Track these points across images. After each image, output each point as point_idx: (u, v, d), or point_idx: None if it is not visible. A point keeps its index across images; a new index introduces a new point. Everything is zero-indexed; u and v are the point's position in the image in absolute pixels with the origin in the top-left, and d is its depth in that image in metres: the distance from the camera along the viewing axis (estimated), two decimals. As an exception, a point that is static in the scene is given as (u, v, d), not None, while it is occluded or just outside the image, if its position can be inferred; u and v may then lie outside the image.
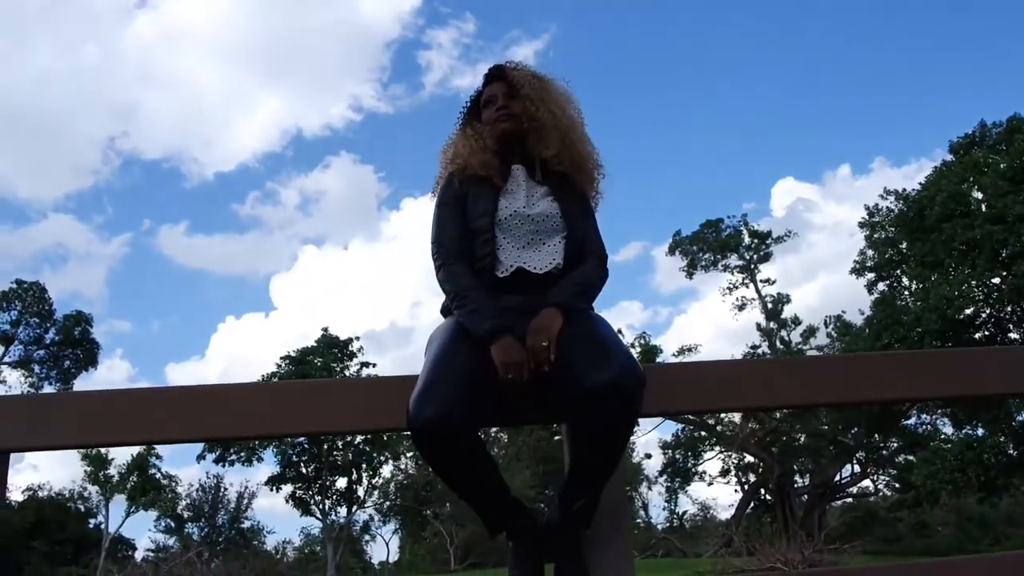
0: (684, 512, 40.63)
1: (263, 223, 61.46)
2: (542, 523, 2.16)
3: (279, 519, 77.87)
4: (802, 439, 31.25)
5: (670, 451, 34.47)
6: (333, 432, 2.37)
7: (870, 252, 26.53)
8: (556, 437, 35.12)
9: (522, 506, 2.15)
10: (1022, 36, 50.10)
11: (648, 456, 38.39)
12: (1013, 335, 24.56)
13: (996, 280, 22.59)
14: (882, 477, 33.93)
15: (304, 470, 32.87)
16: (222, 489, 37.79)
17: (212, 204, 61.89)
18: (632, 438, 37.86)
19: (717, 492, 77.76)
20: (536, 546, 2.12)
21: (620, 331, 24.35)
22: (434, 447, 1.91)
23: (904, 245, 25.42)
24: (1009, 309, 23.93)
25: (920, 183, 25.27)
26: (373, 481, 34.69)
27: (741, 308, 32.35)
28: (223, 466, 33.32)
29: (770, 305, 31.78)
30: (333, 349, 33.08)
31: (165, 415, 2.19)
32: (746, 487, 34.54)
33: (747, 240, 32.36)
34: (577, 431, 2.03)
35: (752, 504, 34.34)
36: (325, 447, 32.82)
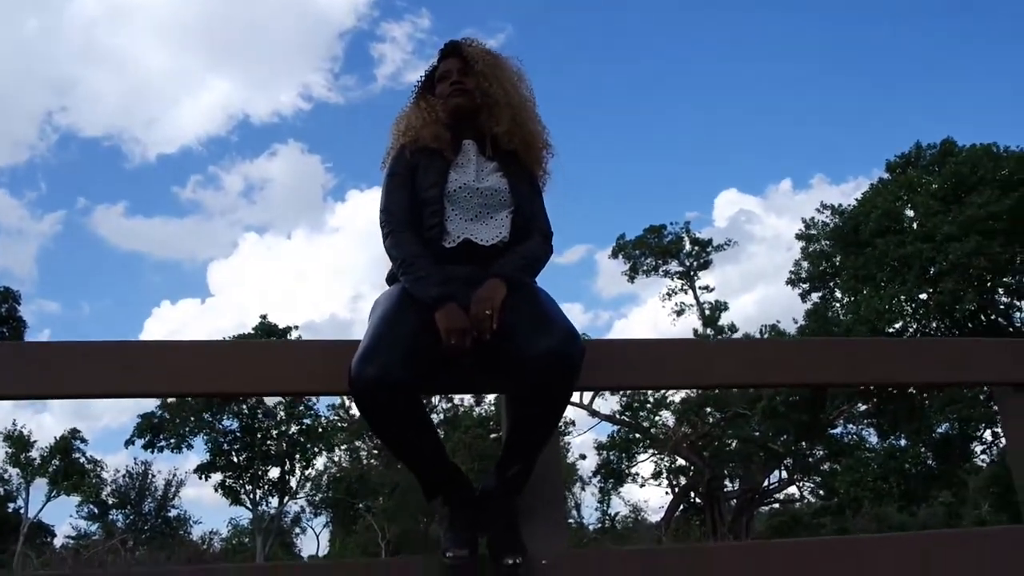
0: (616, 513, 41.03)
1: (204, 208, 60.40)
2: (478, 491, 2.20)
3: (206, 509, 76.57)
4: (733, 444, 31.89)
5: (604, 452, 34.81)
6: (278, 393, 2.44)
7: (805, 264, 27.21)
8: (492, 435, 35.22)
9: (460, 472, 2.21)
10: (957, 63, 51.94)
11: (583, 457, 38.70)
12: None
13: (923, 296, 23.40)
14: (807, 484, 34.82)
15: (236, 459, 32.30)
16: (150, 476, 36.92)
17: (152, 186, 60.31)
18: (567, 438, 38.18)
19: (649, 494, 78.94)
20: (472, 513, 2.15)
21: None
22: (375, 406, 1.95)
23: (838, 258, 26.13)
24: (935, 325, 24.82)
25: (856, 199, 26.06)
26: (306, 472, 34.29)
27: (680, 314, 32.86)
28: (152, 452, 32.58)
29: (708, 312, 32.33)
30: (271, 337, 32.56)
31: (100, 369, 2.17)
32: (677, 490, 35.07)
33: (688, 247, 32.86)
34: (517, 397, 2.10)
35: (682, 507, 34.88)
36: (259, 436, 32.34)
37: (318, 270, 63.29)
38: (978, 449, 25.41)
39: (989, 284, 23.36)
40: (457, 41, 2.54)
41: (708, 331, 31.68)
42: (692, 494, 35.03)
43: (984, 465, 25.78)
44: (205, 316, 58.64)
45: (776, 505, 37.40)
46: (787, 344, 3.32)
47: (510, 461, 2.12)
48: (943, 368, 2.76)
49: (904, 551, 2.46)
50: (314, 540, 39.77)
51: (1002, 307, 24.47)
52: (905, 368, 2.69)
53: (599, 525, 40.79)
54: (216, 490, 32.41)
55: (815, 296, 27.05)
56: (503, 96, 2.43)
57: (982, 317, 24.08)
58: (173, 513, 37.92)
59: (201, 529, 43.23)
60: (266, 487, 33.24)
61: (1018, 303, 24.63)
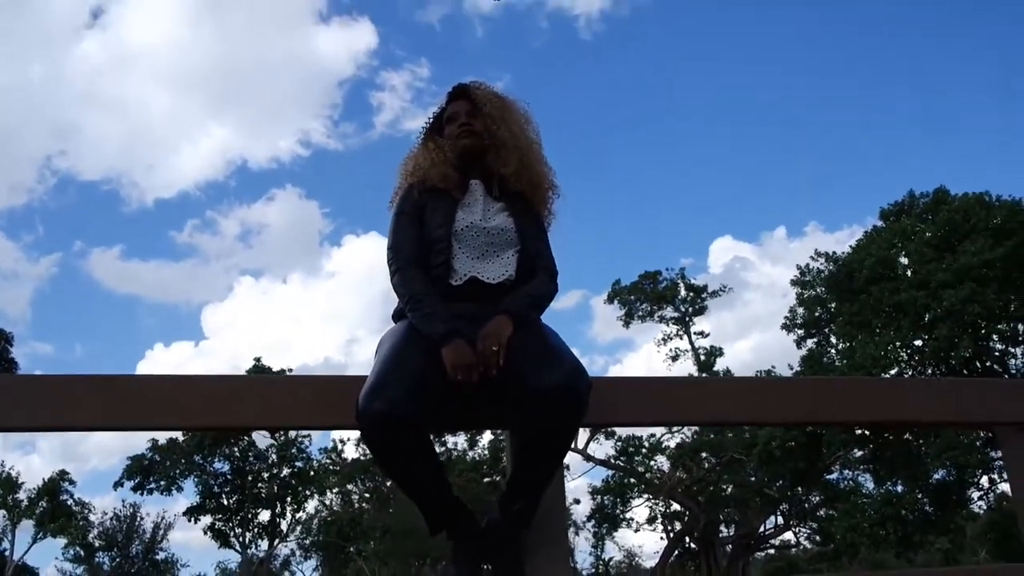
0: (610, 559, 40.59)
1: (200, 252, 60.36)
2: (483, 525, 2.19)
3: (194, 552, 75.25)
4: (729, 489, 31.68)
5: (599, 496, 34.55)
6: (284, 427, 2.45)
7: (800, 310, 27.31)
8: (486, 479, 34.94)
9: (464, 507, 2.20)
10: (950, 112, 52.67)
11: (577, 501, 38.36)
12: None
13: (918, 343, 23.48)
14: (803, 530, 34.55)
15: (225, 501, 31.95)
16: (138, 518, 36.43)
17: (149, 229, 60.43)
18: (564, 483, 37.84)
19: (643, 539, 77.87)
20: (476, 547, 2.15)
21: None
22: (382, 441, 1.96)
23: (833, 305, 26.25)
24: (930, 371, 24.86)
25: (851, 246, 26.26)
26: (297, 515, 33.88)
27: (675, 359, 32.82)
28: (141, 494, 32.22)
29: (703, 357, 32.34)
30: (265, 379, 32.45)
31: (101, 403, 2.17)
32: (672, 535, 34.75)
33: (683, 293, 32.97)
34: (523, 432, 2.09)
35: (677, 552, 34.53)
36: (250, 478, 32.03)
37: (313, 314, 63.19)
38: (975, 495, 25.33)
39: (984, 331, 23.47)
40: (465, 84, 2.58)
41: (703, 376, 31.66)
42: (687, 539, 34.71)
43: (981, 512, 25.67)
44: (199, 359, 58.34)
45: (772, 551, 37.08)
46: (789, 382, 3.32)
47: (515, 496, 2.13)
48: (947, 408, 2.76)
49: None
50: (304, 584, 39.15)
51: (997, 354, 24.55)
52: (909, 407, 2.70)
53: (593, 571, 40.37)
54: (205, 533, 32.05)
55: (810, 342, 27.13)
56: (511, 138, 2.47)
57: (977, 364, 24.14)
58: (160, 556, 37.38)
59: (188, 573, 42.62)
60: (256, 530, 32.87)
61: (1013, 349, 24.73)
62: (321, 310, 63.27)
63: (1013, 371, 24.64)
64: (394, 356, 2.08)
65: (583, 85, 59.74)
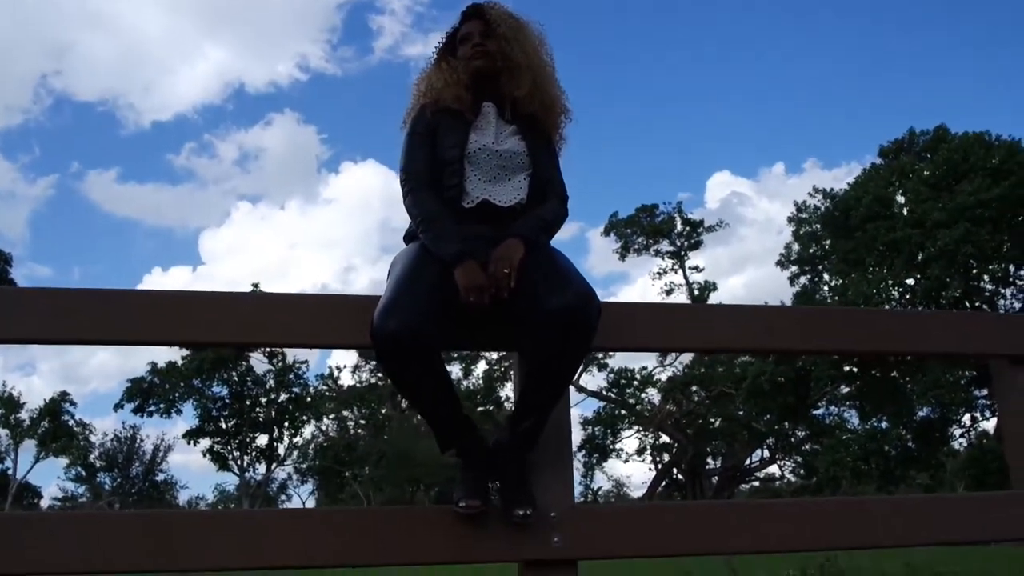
0: (599, 488, 41.58)
1: (197, 176, 59.91)
2: (491, 444, 2.24)
3: (193, 475, 76.46)
4: (717, 423, 32.32)
5: (590, 427, 35.19)
6: (301, 345, 2.43)
7: (796, 246, 27.47)
8: (479, 408, 35.40)
9: (474, 426, 2.23)
10: (953, 50, 52.04)
11: (568, 433, 38.87)
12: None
13: (911, 281, 23.72)
14: (787, 463, 35.35)
15: (224, 425, 32.51)
16: (138, 440, 37.08)
17: (146, 152, 59.69)
18: (570, 405, 38.39)
19: (632, 470, 79.60)
20: (483, 466, 2.19)
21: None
22: (397, 359, 2.00)
23: (828, 242, 26.40)
24: (920, 309, 25.17)
25: (848, 184, 26.28)
26: (294, 440, 34.51)
27: (669, 293, 33.08)
28: (141, 417, 32.73)
29: (697, 292, 32.60)
30: (261, 306, 32.58)
31: (129, 317, 2.23)
32: (660, 466, 35.53)
33: (680, 227, 33.06)
34: (533, 353, 2.12)
35: (664, 483, 35.37)
36: (248, 403, 32.52)
37: (310, 241, 63.11)
38: (957, 433, 25.95)
39: (975, 271, 23.69)
40: (480, 3, 2.55)
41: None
42: (675, 471, 35.50)
43: (962, 448, 26.29)
44: (196, 284, 58.47)
45: (756, 484, 37.99)
46: (791, 311, 3.38)
47: (523, 416, 2.16)
48: (944, 340, 2.81)
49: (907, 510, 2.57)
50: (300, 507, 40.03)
51: (987, 294, 24.83)
52: (907, 338, 2.76)
53: (581, 499, 41.27)
54: (204, 455, 32.67)
55: (804, 279, 27.33)
56: (524, 60, 2.43)
57: (967, 303, 24.44)
58: (160, 477, 38.19)
59: (187, 494, 43.53)
60: (254, 454, 33.52)
61: (1003, 290, 25.02)
62: (318, 237, 63.18)
63: (1002, 311, 24.98)
64: (407, 276, 2.10)
65: (586, 11, 58.71)
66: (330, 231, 63.23)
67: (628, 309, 2.54)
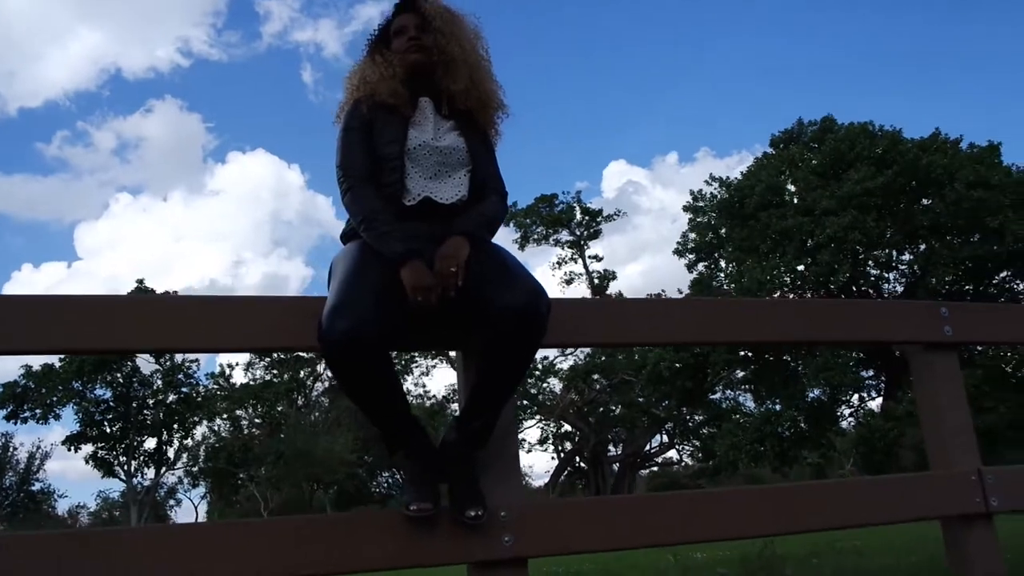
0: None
1: (71, 166, 57.05)
2: (438, 444, 2.21)
3: (71, 483, 73.01)
4: (618, 410, 32.65)
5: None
6: (241, 349, 2.41)
7: (692, 235, 27.88)
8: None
9: (421, 426, 2.21)
10: (840, 41, 54.08)
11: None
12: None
13: (801, 267, 24.40)
14: (686, 447, 36.09)
15: (109, 429, 30.82)
16: (11, 448, 34.83)
17: (13, 141, 56.37)
18: (454, 404, 38.12)
19: (534, 459, 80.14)
20: (432, 466, 2.16)
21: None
22: (347, 361, 1.95)
23: (723, 230, 26.90)
24: (809, 295, 25.94)
25: (742, 172, 26.83)
26: (185, 442, 33.06)
27: (569, 283, 33.23)
28: (14, 423, 30.72)
29: (596, 281, 32.82)
30: (147, 303, 31.00)
31: (49, 323, 2.06)
32: (562, 455, 35.73)
33: (579, 217, 33.21)
34: (484, 352, 2.11)
35: (567, 471, 35.58)
36: (134, 405, 30.93)
37: (196, 234, 60.88)
38: (846, 412, 26.89)
39: (862, 256, 24.54)
40: None
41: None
42: (577, 459, 35.77)
43: (850, 427, 27.31)
44: (72, 281, 55.66)
45: (656, 468, 38.68)
46: (727, 304, 3.53)
47: (473, 415, 2.16)
48: (865, 328, 2.91)
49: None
50: (191, 512, 38.60)
51: (872, 279, 25.77)
52: (834, 327, 2.84)
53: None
54: (87, 462, 30.93)
55: (701, 266, 27.78)
56: (460, 54, 2.42)
57: (853, 288, 25.32)
58: (37, 487, 36.00)
59: (67, 503, 41.40)
60: (142, 458, 31.91)
61: (887, 275, 26.01)
62: (205, 230, 61.06)
63: (886, 295, 25.99)
64: (353, 276, 2.06)
65: (485, 3, 58.35)
66: (218, 224, 61.22)
67: (578, 305, 2.60)
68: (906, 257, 25.65)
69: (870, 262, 25.27)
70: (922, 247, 24.72)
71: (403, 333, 2.16)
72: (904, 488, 2.72)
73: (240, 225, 62.38)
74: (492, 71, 2.54)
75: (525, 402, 34.53)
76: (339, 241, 2.45)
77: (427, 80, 2.44)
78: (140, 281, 31.95)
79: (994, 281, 25.13)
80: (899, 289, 25.99)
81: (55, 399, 30.19)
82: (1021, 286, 25.19)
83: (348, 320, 1.92)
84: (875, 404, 26.79)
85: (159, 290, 31.82)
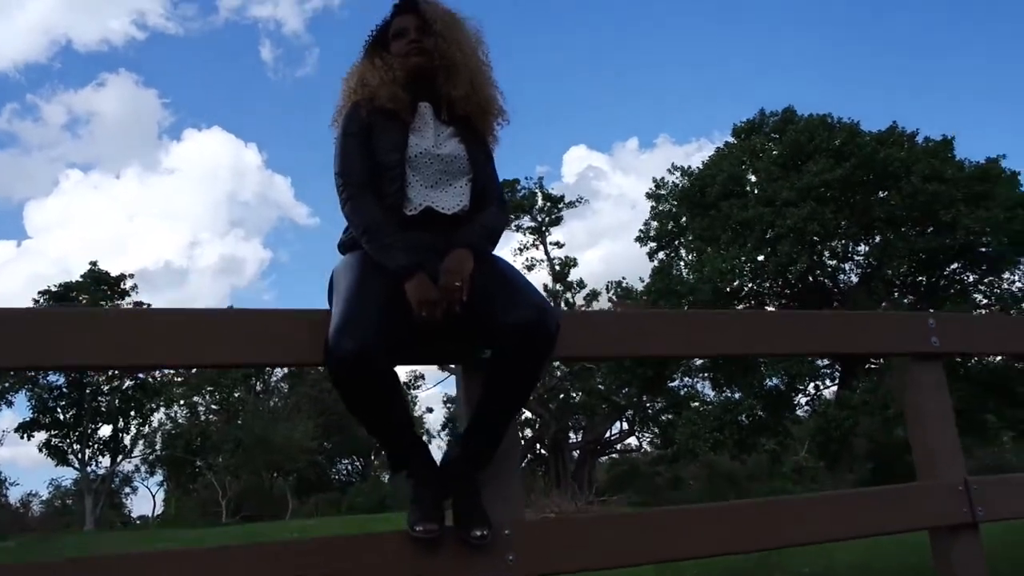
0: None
1: (20, 141, 55.57)
2: (442, 461, 2.20)
3: (22, 471, 71.55)
4: (578, 397, 32.83)
5: (453, 405, 35.05)
6: (247, 365, 2.47)
7: (654, 223, 28.04)
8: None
9: (424, 445, 2.21)
10: (798, 29, 54.68)
11: (430, 411, 38.78)
12: (769, 308, 27.04)
13: (761, 258, 24.69)
14: (646, 435, 36.44)
15: (62, 416, 30.18)
16: (-40, 436, 34.02)
17: (-43, 115, 54.66)
18: (417, 392, 38.02)
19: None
20: (436, 484, 2.14)
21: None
22: (354, 379, 1.92)
23: (684, 219, 27.09)
24: (768, 285, 26.30)
25: (703, 162, 27.03)
26: (142, 430, 32.52)
27: (530, 269, 33.18)
28: (-37, 410, 29.98)
29: (558, 268, 32.88)
30: (102, 286, 30.43)
31: (47, 337, 1.98)
32: (523, 442, 35.86)
33: (540, 203, 33.18)
34: (492, 369, 2.09)
35: (527, 458, 35.73)
36: (88, 392, 30.32)
37: (151, 213, 59.73)
38: (803, 400, 27.38)
39: (819, 247, 24.91)
40: None
41: (558, 287, 32.21)
42: (538, 446, 35.93)
43: (806, 415, 27.83)
44: (22, 260, 54.38)
45: (615, 455, 39.02)
46: (738, 316, 3.66)
47: (478, 433, 2.14)
48: (852, 340, 2.97)
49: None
50: (148, 500, 38.08)
51: (829, 269, 26.19)
52: (831, 338, 2.91)
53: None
54: (41, 450, 30.30)
55: (662, 255, 27.96)
56: (462, 59, 2.37)
57: (810, 278, 25.72)
58: (-13, 475, 35.26)
59: (19, 492, 40.56)
60: (96, 446, 31.32)
61: (843, 266, 26.45)
62: (160, 209, 59.96)
63: (843, 286, 26.45)
64: (357, 291, 2.03)
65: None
66: (173, 203, 60.13)
67: (585, 318, 2.74)
68: (862, 248, 26.10)
69: (826, 253, 25.67)
70: (877, 239, 25.17)
71: (408, 347, 2.12)
72: (892, 499, 2.77)
73: (196, 205, 61.48)
74: (493, 77, 2.50)
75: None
76: (338, 251, 2.38)
77: (427, 84, 2.40)
78: (94, 263, 31.31)
79: (945, 273, 25.71)
80: (855, 279, 26.47)
81: (6, 385, 29.51)
82: (971, 278, 25.82)
83: (355, 339, 1.90)
84: (829, 392, 27.34)
85: (113, 272, 31.22)
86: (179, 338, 2.09)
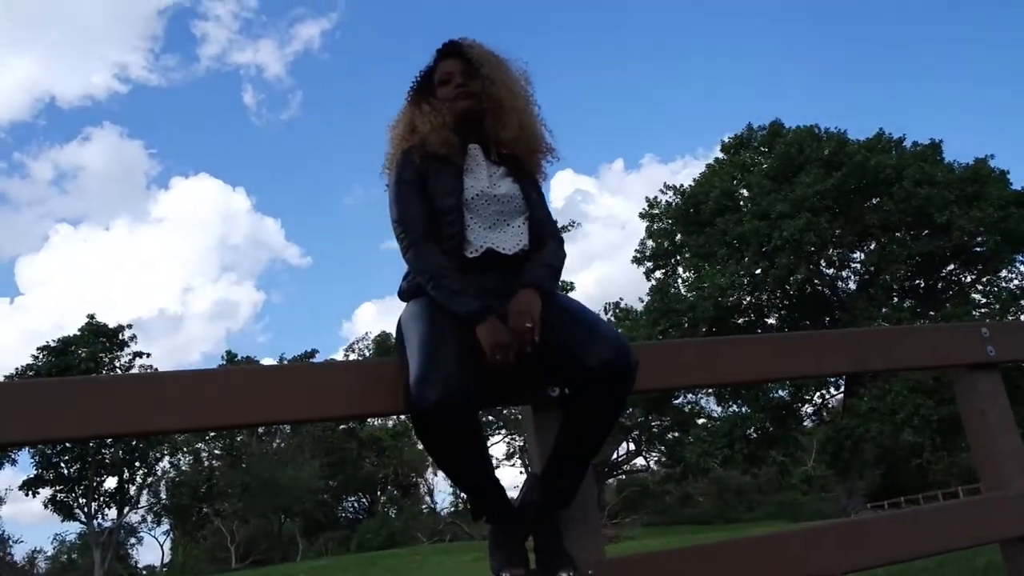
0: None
1: (9, 199, 55.51)
2: (519, 504, 2.15)
3: (25, 527, 70.78)
4: (584, 420, 32.67)
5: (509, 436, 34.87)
6: (320, 419, 2.31)
7: (650, 242, 28.12)
8: (342, 425, 34.42)
9: (503, 487, 2.15)
10: (784, 41, 55.22)
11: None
12: (770, 320, 27.09)
13: (759, 271, 24.77)
14: (653, 454, 36.32)
15: (66, 470, 29.87)
16: (-38, 498, 33.57)
17: (-56, 176, 54.64)
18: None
19: (501, 475, 79.80)
20: (517, 528, 2.10)
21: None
22: (440, 430, 1.91)
23: (680, 237, 27.19)
24: (765, 297, 26.36)
25: (695, 179, 27.16)
26: (148, 480, 32.20)
27: (528, 295, 33.18)
28: (-34, 471, 29.67)
29: (555, 292, 32.88)
30: (100, 338, 30.28)
31: (126, 404, 1.94)
32: (530, 470, 35.63)
33: (534, 230, 33.23)
34: (572, 409, 2.06)
35: (535, 485, 35.49)
36: (92, 445, 30.06)
37: (142, 263, 59.68)
38: (808, 410, 27.34)
39: (816, 257, 25.01)
40: (457, 41, 2.45)
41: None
42: (545, 472, 35.69)
43: (811, 424, 27.79)
44: (15, 316, 54.15)
45: (623, 476, 38.85)
46: (793, 337, 3.57)
47: (558, 473, 2.10)
48: (915, 354, 2.94)
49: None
50: (156, 549, 37.66)
51: (828, 278, 26.28)
52: (893, 354, 2.88)
53: (452, 509, 41.07)
54: (46, 506, 29.93)
55: (659, 274, 28.01)
56: (510, 99, 2.37)
57: (808, 288, 25.80)
58: (-9, 535, 34.79)
59: (23, 549, 40.11)
60: (102, 499, 30.98)
61: (841, 274, 26.54)
62: (151, 258, 59.89)
63: (843, 294, 26.52)
64: (432, 340, 2.01)
65: (418, 16, 58.42)
66: (164, 251, 60.09)
67: (660, 348, 2.56)
68: (859, 256, 26.21)
69: (823, 262, 25.77)
70: (873, 245, 25.29)
71: (486, 392, 2.10)
72: (962, 514, 2.74)
73: (187, 251, 61.44)
74: (540, 115, 2.50)
75: (491, 418, 34.44)
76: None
77: (476, 127, 2.39)
78: (91, 316, 31.14)
79: (942, 275, 25.83)
80: (853, 286, 26.57)
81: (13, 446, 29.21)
82: (968, 279, 25.95)
83: (438, 389, 1.89)
84: (834, 401, 27.30)
85: (110, 324, 31.07)
86: (242, 397, 2.12)
